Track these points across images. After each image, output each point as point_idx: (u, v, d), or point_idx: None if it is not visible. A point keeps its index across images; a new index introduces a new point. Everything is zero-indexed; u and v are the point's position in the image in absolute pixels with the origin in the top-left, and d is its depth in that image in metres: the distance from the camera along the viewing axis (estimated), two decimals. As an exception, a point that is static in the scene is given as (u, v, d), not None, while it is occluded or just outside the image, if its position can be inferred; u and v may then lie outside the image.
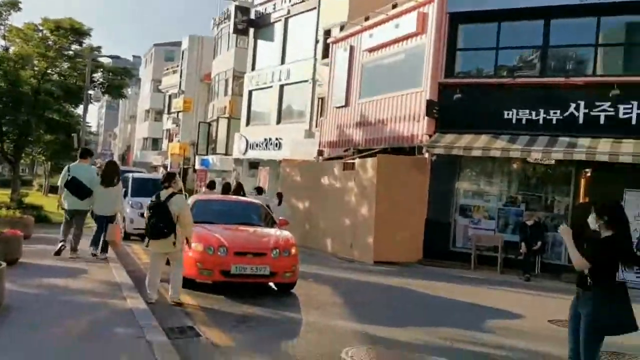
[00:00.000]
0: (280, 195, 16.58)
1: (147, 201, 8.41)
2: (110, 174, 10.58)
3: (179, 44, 50.02)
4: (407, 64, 16.94)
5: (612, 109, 13.61)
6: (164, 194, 7.82)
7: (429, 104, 15.27)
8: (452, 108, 15.18)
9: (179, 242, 7.80)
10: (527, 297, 10.92)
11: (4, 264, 6.38)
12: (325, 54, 22.93)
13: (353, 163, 16.09)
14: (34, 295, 7.38)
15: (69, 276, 8.66)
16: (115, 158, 68.87)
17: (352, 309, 8.72)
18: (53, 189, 34.23)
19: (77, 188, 10.26)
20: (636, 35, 14.65)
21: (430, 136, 15.33)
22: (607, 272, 4.61)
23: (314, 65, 24.74)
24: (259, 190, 17.69)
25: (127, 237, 14.82)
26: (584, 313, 4.59)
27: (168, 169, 41.62)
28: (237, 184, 17.64)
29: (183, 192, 8.60)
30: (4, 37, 20.39)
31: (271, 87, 28.55)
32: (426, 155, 15.29)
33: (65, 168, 10.84)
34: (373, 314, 8.39)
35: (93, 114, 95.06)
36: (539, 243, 13.47)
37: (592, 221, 4.70)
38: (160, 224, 7.57)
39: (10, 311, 6.32)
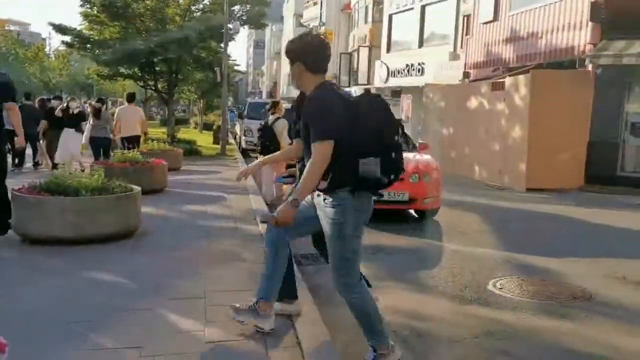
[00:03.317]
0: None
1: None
2: None
3: (318, -25, 49.29)
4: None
5: None
6: (271, 118, 8.78)
7: (594, 5, 13.20)
8: (621, 9, 12.97)
9: None
10: None
11: (138, 189, 6.41)
12: (471, -34, 20.90)
13: (503, 82, 14.59)
14: (170, 219, 7.53)
15: (209, 203, 8.88)
16: (264, 94, 71.43)
17: (501, 237, 7.88)
18: (206, 126, 36.18)
19: None
20: None
21: (594, 45, 13.35)
22: None
23: (458, -21, 22.76)
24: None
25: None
26: None
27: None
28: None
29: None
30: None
31: (412, 8, 26.95)
32: (590, 67, 13.39)
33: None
34: (524, 242, 7.46)
35: (242, 55, 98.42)
36: None
37: None
38: (267, 142, 8.51)
39: (146, 235, 6.43)
